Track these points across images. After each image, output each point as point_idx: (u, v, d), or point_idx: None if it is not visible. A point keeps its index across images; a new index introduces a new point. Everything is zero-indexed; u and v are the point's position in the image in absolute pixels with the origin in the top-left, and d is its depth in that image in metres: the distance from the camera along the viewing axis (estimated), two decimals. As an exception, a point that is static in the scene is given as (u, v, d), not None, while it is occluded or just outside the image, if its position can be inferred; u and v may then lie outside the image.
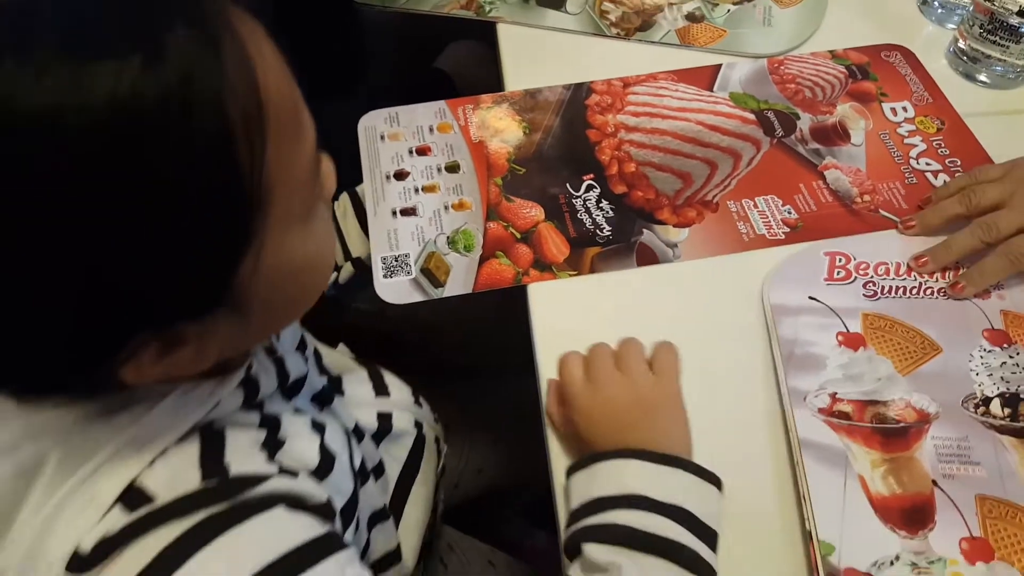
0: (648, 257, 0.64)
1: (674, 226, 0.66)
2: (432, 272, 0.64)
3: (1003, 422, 0.53)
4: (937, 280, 0.61)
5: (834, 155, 0.71)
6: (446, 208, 0.68)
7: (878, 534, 0.49)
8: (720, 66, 0.78)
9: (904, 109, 0.74)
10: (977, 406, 0.54)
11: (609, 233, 0.66)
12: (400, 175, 0.70)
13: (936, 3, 0.83)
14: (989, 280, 0.60)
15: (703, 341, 0.58)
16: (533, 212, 0.68)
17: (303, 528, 0.38)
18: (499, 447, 0.82)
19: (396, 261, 0.65)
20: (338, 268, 0.72)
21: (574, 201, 0.68)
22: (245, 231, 0.33)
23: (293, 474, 0.40)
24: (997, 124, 0.73)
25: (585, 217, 0.67)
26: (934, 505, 0.50)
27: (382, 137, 0.73)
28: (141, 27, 0.30)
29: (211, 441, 0.39)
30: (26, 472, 0.37)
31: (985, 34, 0.73)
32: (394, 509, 0.58)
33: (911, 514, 0.49)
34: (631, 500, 0.46)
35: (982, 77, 0.76)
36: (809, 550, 0.49)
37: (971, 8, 0.75)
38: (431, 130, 0.74)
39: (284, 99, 0.34)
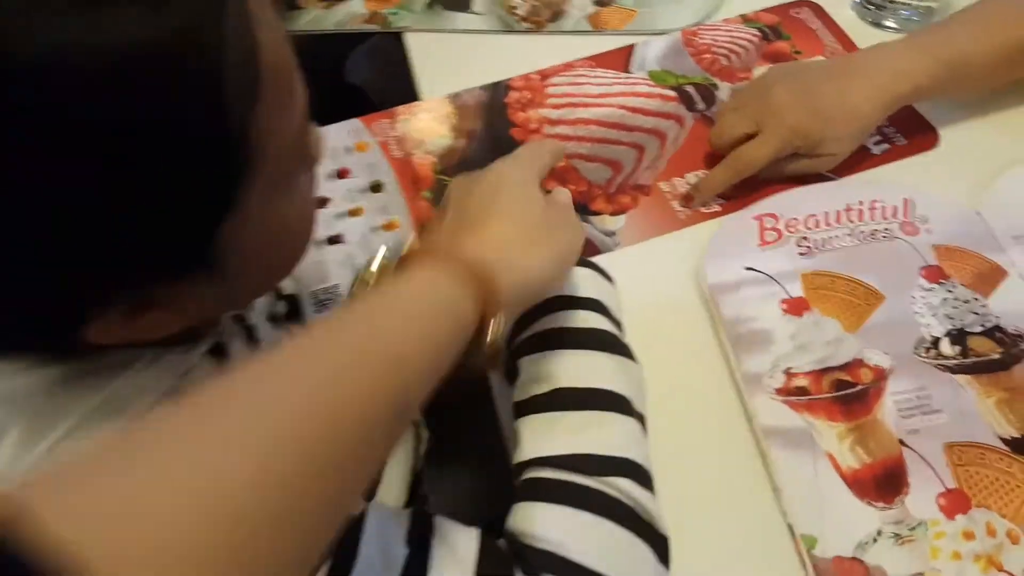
0: (589, 249, 0.63)
1: (610, 215, 0.65)
2: (369, 298, 0.62)
3: (955, 361, 0.53)
4: (867, 223, 0.61)
5: (757, 120, 0.70)
6: (374, 230, 0.65)
7: (856, 512, 0.48)
8: (633, 45, 0.77)
9: (819, 64, 0.74)
10: (928, 349, 0.54)
11: (546, 231, 0.64)
12: (321, 202, 0.68)
13: (835, -47, 0.83)
14: (716, 188, 0.64)
15: (651, 325, 0.56)
16: (466, 221, 0.66)
17: None
18: (485, 475, 0.80)
19: (327, 293, 0.62)
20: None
21: (506, 204, 0.66)
22: (230, 189, 0.32)
23: None
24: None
25: (519, 219, 0.65)
26: (904, 466, 0.49)
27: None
28: None
29: None
30: None
31: (885, -21, 0.74)
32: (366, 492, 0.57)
33: (884, 481, 0.49)
34: (549, 305, 0.48)
35: (889, 23, 0.76)
36: (794, 540, 0.48)
37: (868, -46, 0.76)
38: (348, 151, 0.71)
39: (280, 61, 0.33)
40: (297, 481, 0.26)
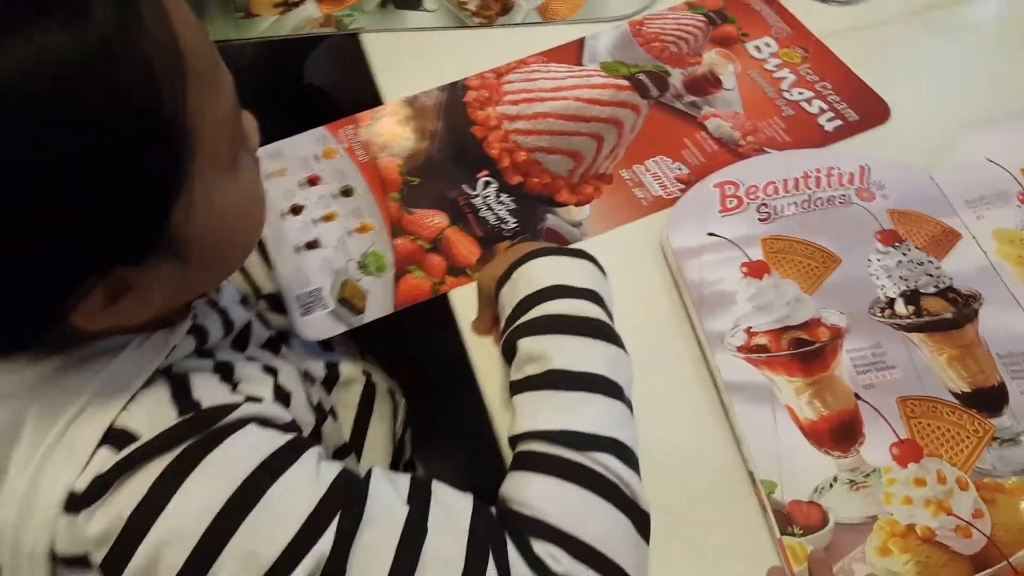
0: (557, 241, 0.65)
1: (575, 205, 0.67)
2: (349, 301, 0.63)
3: (909, 320, 0.55)
4: (824, 189, 0.63)
5: (711, 104, 0.73)
6: (349, 233, 0.67)
7: (814, 460, 0.50)
8: (584, 39, 0.79)
9: (767, 45, 0.77)
10: (883, 309, 0.56)
11: (515, 225, 0.66)
12: (295, 210, 0.69)
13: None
14: None
15: (621, 308, 0.58)
16: (437, 220, 0.67)
17: (274, 438, 0.42)
18: (469, 452, 0.82)
19: (310, 297, 0.64)
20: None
21: (474, 200, 0.68)
22: (175, 169, 0.36)
23: (258, 400, 0.44)
24: (855, 39, 0.76)
25: (488, 214, 0.67)
26: (860, 419, 0.52)
27: (268, 175, 0.71)
28: None
29: (177, 382, 0.42)
30: (6, 434, 0.40)
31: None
32: (354, 450, 0.60)
33: (841, 432, 0.51)
34: (550, 292, 0.51)
35: (835, -2, 0.78)
36: (755, 486, 0.50)
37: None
38: (316, 158, 0.73)
39: (200, 48, 0.37)
40: None
